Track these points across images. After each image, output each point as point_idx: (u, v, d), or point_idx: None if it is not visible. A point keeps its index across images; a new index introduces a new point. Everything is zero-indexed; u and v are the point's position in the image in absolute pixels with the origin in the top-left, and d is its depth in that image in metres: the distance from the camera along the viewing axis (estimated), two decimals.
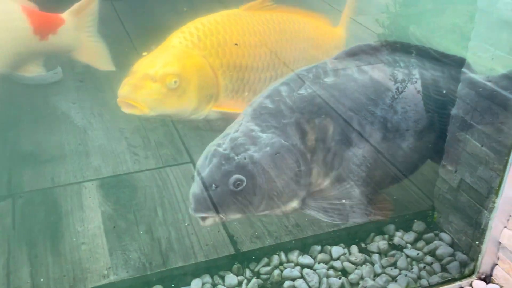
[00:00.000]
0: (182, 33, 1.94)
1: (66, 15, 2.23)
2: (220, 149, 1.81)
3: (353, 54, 2.10)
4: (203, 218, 1.79)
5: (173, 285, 1.91)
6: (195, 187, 1.78)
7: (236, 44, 2.09)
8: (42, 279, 1.85)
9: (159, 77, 1.79)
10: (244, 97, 2.03)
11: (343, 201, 1.95)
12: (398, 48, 2.20)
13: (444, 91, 2.12)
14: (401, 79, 2.08)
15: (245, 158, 1.81)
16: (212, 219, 1.78)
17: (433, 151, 2.16)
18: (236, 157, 1.79)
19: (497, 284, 2.03)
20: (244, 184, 1.77)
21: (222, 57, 1.92)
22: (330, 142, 1.92)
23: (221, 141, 1.83)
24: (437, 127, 2.12)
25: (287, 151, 1.86)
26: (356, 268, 2.04)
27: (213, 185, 1.76)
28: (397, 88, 2.05)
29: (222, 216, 1.79)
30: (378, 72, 2.08)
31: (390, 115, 2.01)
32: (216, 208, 1.79)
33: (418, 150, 2.09)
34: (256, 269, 1.99)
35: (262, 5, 2.17)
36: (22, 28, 2.06)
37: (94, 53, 2.48)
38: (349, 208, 1.97)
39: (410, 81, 2.08)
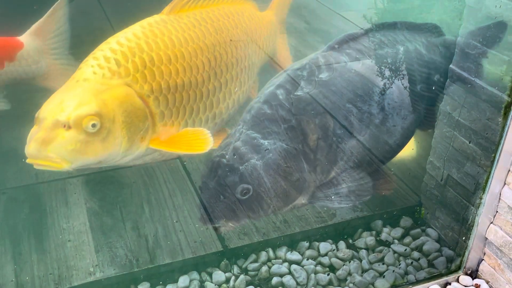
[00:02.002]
0: (96, 60, 1.55)
1: (25, 37, 1.89)
2: (224, 160, 1.84)
3: (341, 43, 2.10)
4: (215, 227, 1.85)
5: (160, 282, 1.91)
6: (204, 199, 1.83)
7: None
8: (27, 277, 1.82)
9: (72, 122, 1.40)
10: (186, 120, 1.67)
11: (349, 185, 2.00)
12: (381, 28, 2.23)
13: (427, 58, 2.18)
14: (391, 61, 2.11)
15: (249, 167, 1.83)
16: (224, 227, 1.83)
17: (424, 118, 2.21)
18: (240, 167, 1.82)
19: (483, 279, 2.04)
20: (251, 192, 1.81)
21: (151, 81, 1.54)
22: (332, 137, 1.94)
23: (224, 152, 1.85)
24: (425, 94, 2.17)
25: (290, 155, 1.88)
26: (343, 264, 2.04)
27: (220, 196, 1.80)
28: (390, 69, 2.08)
29: (233, 224, 1.85)
30: (368, 58, 2.09)
31: (387, 95, 2.04)
32: (226, 217, 1.84)
33: (412, 121, 2.13)
34: (244, 266, 2.00)
35: (187, 2, 1.79)
36: None
37: (65, 78, 2.16)
38: (355, 190, 2.01)
39: (399, 61, 2.12)
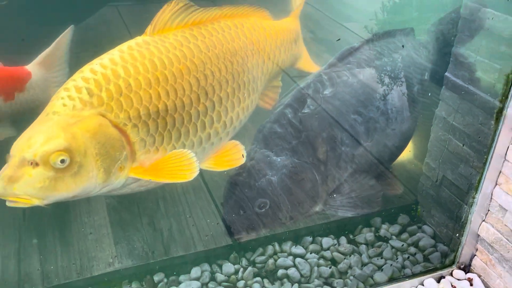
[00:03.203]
0: (66, 91, 1.40)
1: (32, 66, 1.79)
2: (241, 178, 1.90)
3: (343, 58, 2.12)
4: (239, 238, 1.91)
5: (174, 273, 1.91)
6: (226, 215, 1.90)
7: None
8: (51, 267, 1.84)
9: (39, 159, 1.29)
10: (173, 145, 1.52)
11: (359, 192, 2.05)
12: (377, 39, 2.25)
13: (418, 61, 2.21)
14: (387, 69, 2.14)
15: (264, 183, 1.88)
16: (246, 237, 1.90)
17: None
18: (256, 184, 1.87)
19: (475, 273, 2.06)
20: (268, 205, 1.87)
21: (128, 109, 1.39)
22: (340, 148, 1.98)
23: (241, 171, 1.89)
24: (420, 98, 2.22)
25: (302, 168, 1.93)
26: (344, 258, 2.06)
27: (240, 211, 1.87)
28: (386, 77, 2.11)
29: (254, 234, 1.92)
30: (368, 69, 2.12)
31: (386, 102, 2.08)
32: (247, 229, 1.92)
33: (409, 124, 2.19)
34: (251, 259, 2.01)
35: (170, 20, 1.58)
36: None
37: None
38: (366, 196, 2.06)
39: (394, 69, 2.15)
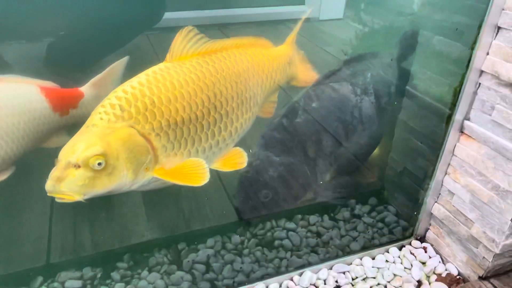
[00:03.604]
0: (103, 107, 1.44)
1: (85, 88, 1.82)
2: (249, 175, 1.96)
3: (326, 77, 2.16)
4: (248, 219, 1.98)
5: (195, 242, 1.94)
6: (238, 204, 1.96)
7: None
8: (102, 236, 1.87)
9: (81, 162, 1.32)
10: (189, 150, 1.54)
11: (342, 187, 2.08)
12: (352, 62, 2.27)
13: (385, 78, 2.21)
14: (360, 86, 2.15)
15: (267, 178, 1.93)
16: (254, 218, 1.96)
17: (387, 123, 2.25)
18: (260, 179, 1.93)
19: (429, 243, 2.11)
20: (270, 195, 1.93)
21: (152, 121, 1.44)
22: (325, 149, 2.03)
23: (248, 169, 1.95)
24: (387, 106, 2.22)
25: (296, 166, 1.98)
26: (327, 231, 2.09)
27: (249, 201, 1.93)
28: (360, 91, 2.14)
29: (259, 216, 1.97)
30: (346, 85, 2.14)
31: (363, 111, 2.11)
32: (255, 213, 1.98)
33: (381, 125, 2.22)
34: (254, 232, 2.02)
35: (185, 49, 1.58)
36: (41, 108, 1.70)
37: None
38: (348, 188, 2.11)
39: (366, 84, 2.16)
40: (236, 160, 1.68)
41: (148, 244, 1.90)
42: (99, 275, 1.79)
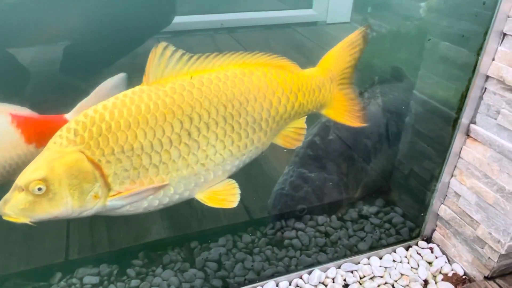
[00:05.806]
0: (61, 131, 1.35)
1: (70, 115, 1.64)
2: (284, 192, 1.98)
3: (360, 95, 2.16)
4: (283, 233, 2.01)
5: (209, 241, 1.95)
6: (274, 219, 2.00)
7: None
8: (120, 234, 1.89)
9: (24, 185, 1.27)
10: (151, 178, 1.38)
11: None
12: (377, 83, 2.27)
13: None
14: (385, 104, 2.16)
15: (303, 194, 1.96)
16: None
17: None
18: (296, 194, 1.95)
19: (435, 244, 2.10)
20: (306, 210, 1.97)
21: (104, 147, 1.32)
22: (356, 163, 2.06)
23: (283, 186, 1.97)
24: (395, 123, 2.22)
25: (330, 180, 2.00)
26: (335, 232, 2.09)
27: (286, 216, 1.97)
28: (385, 110, 2.16)
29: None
30: (373, 105, 2.17)
31: (388, 128, 2.14)
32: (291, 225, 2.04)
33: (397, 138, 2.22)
34: (264, 231, 2.03)
35: (170, 67, 1.42)
36: (11, 140, 1.54)
37: None
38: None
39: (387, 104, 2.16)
40: (225, 196, 1.53)
41: (162, 242, 1.92)
42: (115, 272, 1.81)
